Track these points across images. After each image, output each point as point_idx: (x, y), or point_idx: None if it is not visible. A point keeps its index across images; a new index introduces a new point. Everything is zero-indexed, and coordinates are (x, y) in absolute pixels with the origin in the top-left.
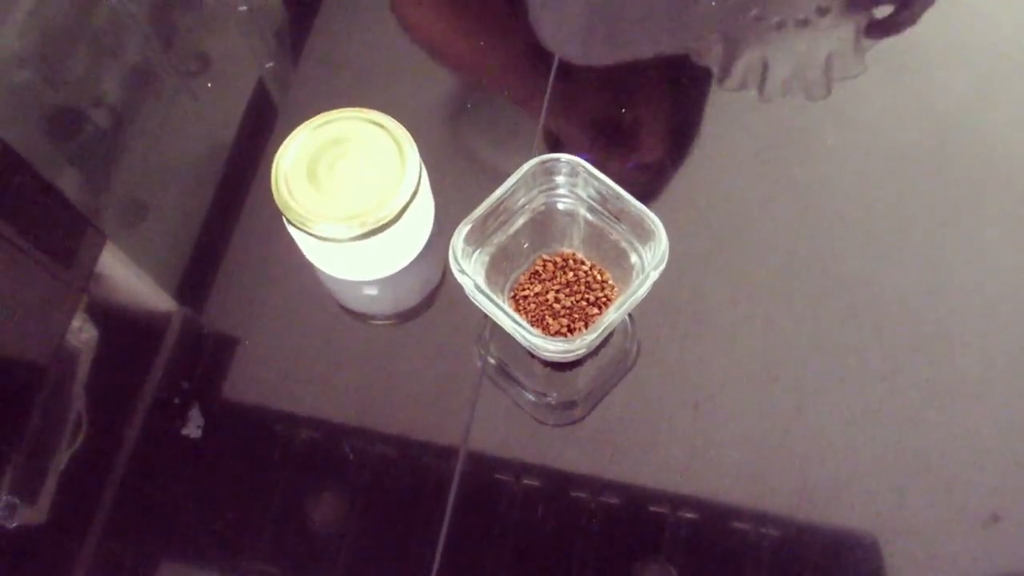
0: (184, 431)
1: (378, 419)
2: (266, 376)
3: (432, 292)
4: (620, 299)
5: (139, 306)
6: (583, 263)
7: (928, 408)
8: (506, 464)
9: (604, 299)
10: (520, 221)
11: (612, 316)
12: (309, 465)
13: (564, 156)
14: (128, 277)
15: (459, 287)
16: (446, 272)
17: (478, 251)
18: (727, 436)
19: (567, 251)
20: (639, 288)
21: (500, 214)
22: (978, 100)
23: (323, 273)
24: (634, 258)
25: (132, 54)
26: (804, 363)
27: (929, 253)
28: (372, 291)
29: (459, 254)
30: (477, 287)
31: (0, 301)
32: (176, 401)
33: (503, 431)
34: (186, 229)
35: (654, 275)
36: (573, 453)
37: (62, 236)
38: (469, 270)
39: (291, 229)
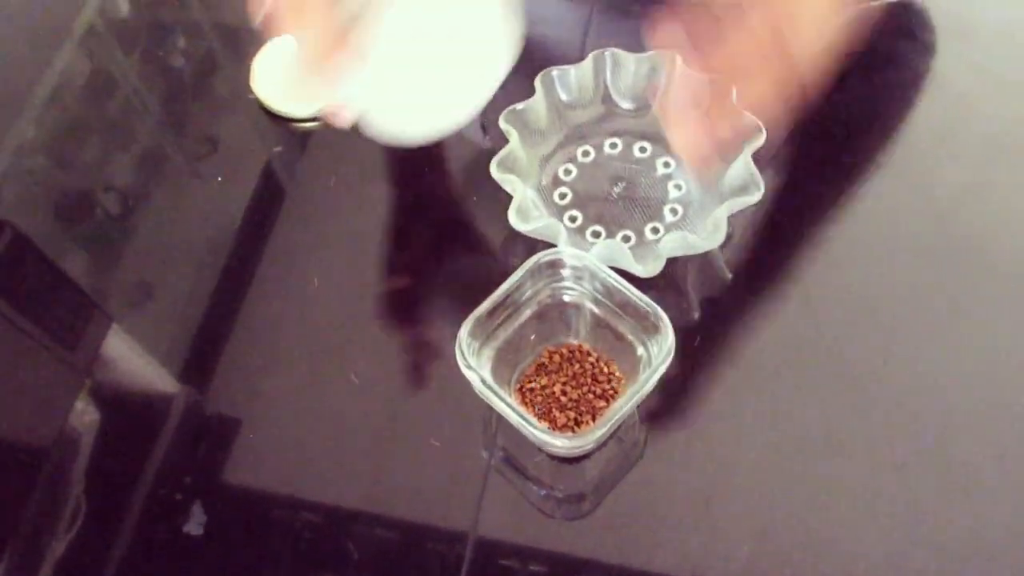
0: (186, 528)
1: (384, 507)
2: (270, 462)
3: (438, 383)
4: (627, 393)
5: (142, 389)
6: (589, 355)
7: (939, 499)
8: (515, 553)
9: (611, 391)
10: (526, 314)
11: (619, 411)
12: (313, 555)
13: (569, 250)
14: (132, 359)
15: (465, 378)
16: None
17: (484, 345)
18: (739, 530)
19: (573, 343)
20: (646, 383)
21: (506, 308)
22: (975, 189)
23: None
24: (640, 351)
25: (143, 138)
26: (814, 454)
27: (935, 341)
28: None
29: (466, 349)
30: (484, 383)
31: (4, 383)
32: (178, 497)
33: (511, 523)
34: (191, 312)
35: (661, 369)
36: (582, 547)
37: (68, 318)
38: (476, 365)
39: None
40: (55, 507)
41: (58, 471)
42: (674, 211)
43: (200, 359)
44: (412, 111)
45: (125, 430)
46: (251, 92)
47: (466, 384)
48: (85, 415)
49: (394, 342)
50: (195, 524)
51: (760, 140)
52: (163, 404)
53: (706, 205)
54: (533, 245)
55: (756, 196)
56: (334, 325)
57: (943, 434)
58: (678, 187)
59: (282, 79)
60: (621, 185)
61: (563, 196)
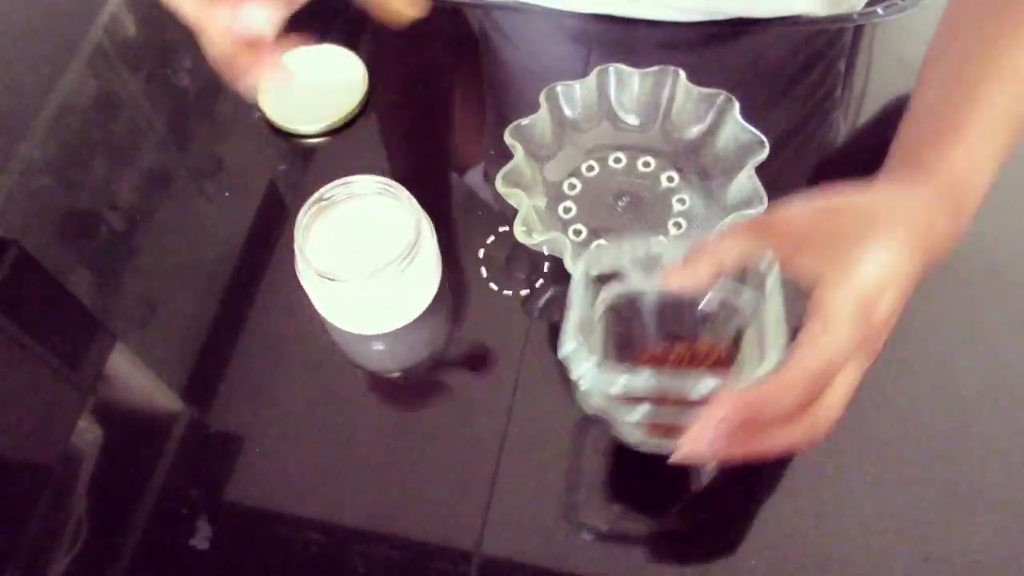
0: (192, 542)
1: (389, 525)
2: (275, 479)
3: (444, 399)
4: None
5: (146, 407)
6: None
7: (946, 515)
8: (520, 572)
9: (719, 358)
10: (600, 327)
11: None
12: (319, 572)
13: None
14: (136, 378)
15: (473, 388)
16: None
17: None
18: (745, 546)
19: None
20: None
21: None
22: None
23: (332, 327)
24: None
25: (149, 157)
26: (819, 466)
27: (942, 354)
28: (379, 346)
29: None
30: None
31: (8, 401)
32: (184, 511)
33: (516, 541)
34: (196, 329)
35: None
36: (588, 565)
37: (72, 337)
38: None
39: (307, 277)
40: (58, 525)
41: (61, 489)
42: (678, 225)
43: (204, 377)
44: (360, 322)
45: (129, 448)
46: (258, 110)
47: (472, 402)
48: (89, 433)
49: (399, 359)
50: (201, 538)
51: (763, 154)
52: (167, 422)
53: (710, 219)
54: (537, 259)
55: (760, 209)
56: (338, 342)
57: (950, 450)
58: (681, 201)
59: (289, 95)
60: (625, 199)
61: (568, 210)
